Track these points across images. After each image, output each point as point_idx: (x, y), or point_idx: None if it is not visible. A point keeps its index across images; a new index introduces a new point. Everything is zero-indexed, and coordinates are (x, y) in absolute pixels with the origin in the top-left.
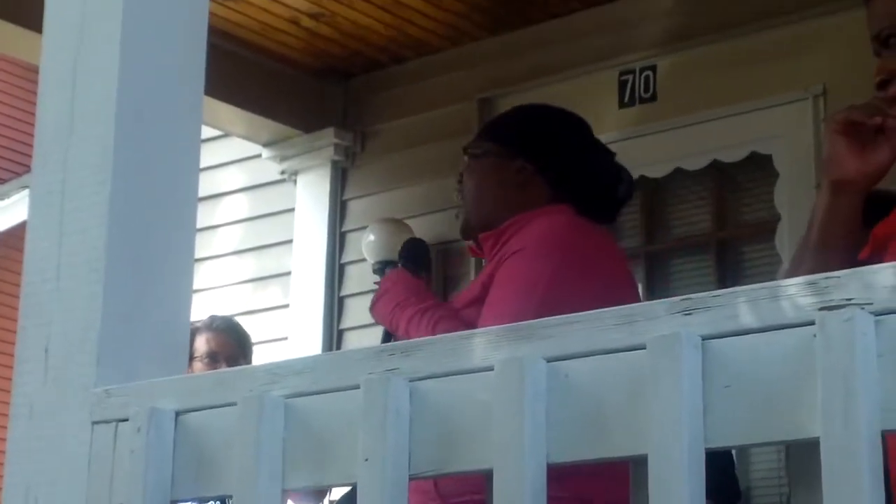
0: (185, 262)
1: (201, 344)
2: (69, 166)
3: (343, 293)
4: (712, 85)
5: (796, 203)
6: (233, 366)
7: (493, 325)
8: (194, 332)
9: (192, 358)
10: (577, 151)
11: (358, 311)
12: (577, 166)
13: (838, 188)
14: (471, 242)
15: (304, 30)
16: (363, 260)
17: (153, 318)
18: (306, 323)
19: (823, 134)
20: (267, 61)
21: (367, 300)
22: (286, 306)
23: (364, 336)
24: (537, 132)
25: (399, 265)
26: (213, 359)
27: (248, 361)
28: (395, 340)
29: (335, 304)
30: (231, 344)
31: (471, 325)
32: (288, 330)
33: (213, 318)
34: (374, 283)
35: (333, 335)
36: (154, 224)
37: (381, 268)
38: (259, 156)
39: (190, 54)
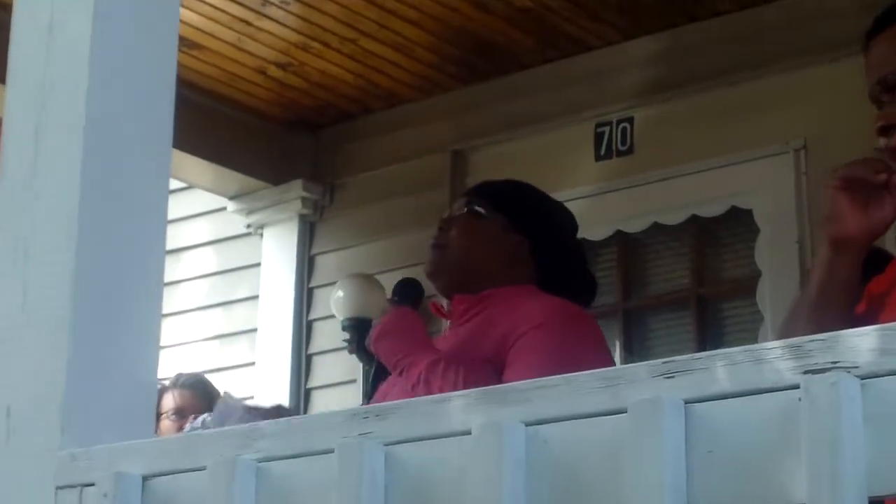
0: (152, 320)
1: (168, 401)
2: (35, 221)
3: (311, 351)
4: (691, 137)
5: (777, 259)
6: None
7: None
8: (161, 390)
9: (158, 416)
10: (571, 245)
11: (326, 369)
12: (568, 258)
13: (840, 246)
14: (435, 298)
15: (271, 80)
16: (332, 317)
17: (119, 378)
18: (273, 381)
19: (806, 188)
20: (234, 112)
21: (336, 358)
22: (252, 364)
23: (333, 395)
24: (544, 217)
25: (400, 303)
26: (180, 415)
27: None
28: (385, 377)
29: (303, 362)
30: (199, 400)
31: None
32: (255, 388)
33: (179, 375)
34: (343, 339)
35: (301, 394)
36: (120, 282)
37: (353, 325)
38: (225, 209)
39: (158, 108)
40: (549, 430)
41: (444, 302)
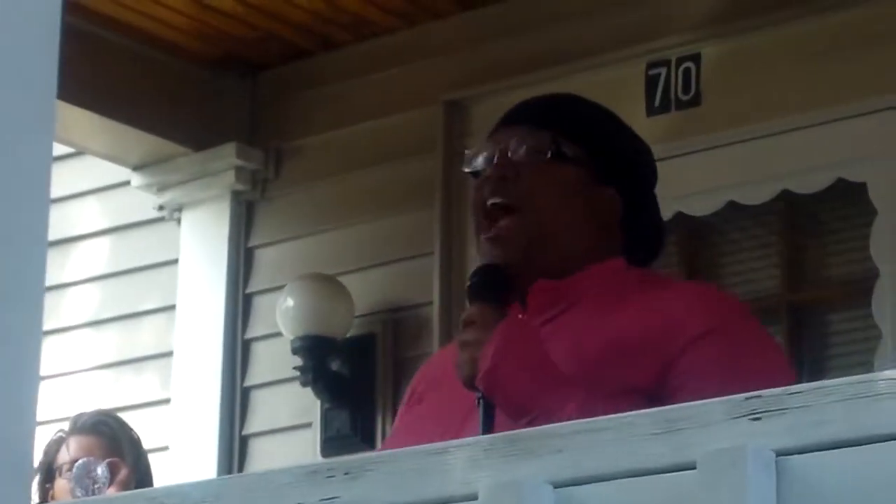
0: (29, 341)
1: (63, 454)
2: None
3: (248, 382)
4: (781, 83)
5: None
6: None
7: None
8: (58, 440)
9: (52, 476)
10: (655, 200)
11: (270, 408)
12: (657, 217)
13: None
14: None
15: (193, 1)
16: (278, 335)
17: None
18: (195, 425)
19: None
20: (140, 47)
21: (281, 391)
22: (166, 401)
23: (278, 445)
24: (636, 156)
25: (495, 306)
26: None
27: (134, 469)
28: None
29: (237, 399)
30: (102, 447)
31: None
32: (169, 436)
33: (77, 417)
34: (294, 367)
35: (234, 443)
36: None
37: (307, 346)
38: (128, 183)
39: (37, 42)
40: (588, 493)
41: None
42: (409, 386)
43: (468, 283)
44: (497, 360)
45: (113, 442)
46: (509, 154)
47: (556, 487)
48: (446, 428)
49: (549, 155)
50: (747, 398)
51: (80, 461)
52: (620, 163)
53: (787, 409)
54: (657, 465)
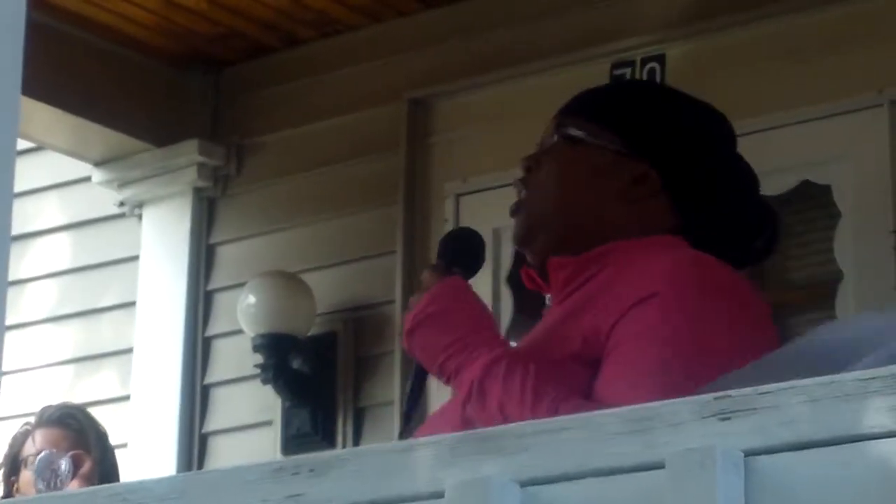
0: None
1: (29, 446)
2: None
3: (209, 380)
4: (745, 85)
5: (865, 254)
6: (74, 468)
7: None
8: (24, 433)
9: (17, 468)
10: (725, 168)
11: (231, 406)
12: (719, 190)
13: None
14: (528, 263)
15: None
16: (239, 332)
17: None
18: (155, 422)
19: None
20: (102, 42)
21: (244, 391)
22: (126, 398)
23: (239, 443)
24: (679, 129)
25: (447, 270)
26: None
27: (100, 463)
28: (419, 392)
29: (196, 397)
30: (68, 439)
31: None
32: (129, 433)
33: (44, 410)
34: (255, 365)
35: (194, 440)
36: None
37: (268, 344)
38: (88, 179)
39: (2, 37)
40: (556, 492)
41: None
42: None
43: (439, 242)
44: (414, 322)
45: (79, 435)
46: (537, 150)
47: (522, 486)
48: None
49: (555, 139)
50: (716, 398)
51: (42, 453)
52: (649, 139)
53: (756, 409)
54: (625, 465)
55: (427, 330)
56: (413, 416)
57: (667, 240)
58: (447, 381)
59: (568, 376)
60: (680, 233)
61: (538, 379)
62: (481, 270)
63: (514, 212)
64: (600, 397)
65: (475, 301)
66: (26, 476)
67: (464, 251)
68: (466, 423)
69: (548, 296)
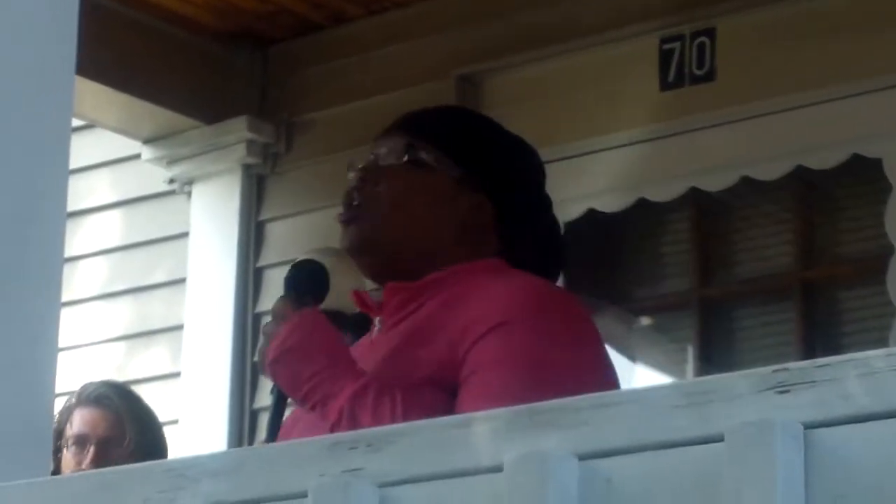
0: (48, 313)
1: (69, 426)
2: None
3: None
4: (796, 58)
5: None
6: (111, 453)
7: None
8: (67, 411)
9: (60, 447)
10: (542, 200)
11: None
12: (538, 218)
13: None
14: (357, 284)
15: None
16: None
17: (2, 396)
18: (205, 399)
19: None
20: (152, 21)
21: None
22: (176, 375)
23: None
24: (512, 162)
25: (299, 300)
26: (81, 444)
27: (136, 441)
28: (280, 418)
29: (247, 373)
30: (107, 421)
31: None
32: (179, 409)
33: (84, 388)
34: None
35: (245, 417)
36: (5, 259)
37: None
38: (138, 156)
39: (58, 18)
40: (613, 466)
41: (369, 288)
42: None
43: (285, 276)
44: (277, 353)
45: (116, 415)
46: (372, 159)
47: (581, 460)
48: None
49: (405, 159)
50: (774, 371)
51: None
52: (487, 171)
53: (814, 381)
54: (683, 438)
55: (289, 361)
56: (273, 437)
57: (494, 263)
58: (311, 409)
59: (429, 401)
60: (499, 256)
61: (405, 405)
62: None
63: (348, 221)
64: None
65: (332, 331)
66: (67, 458)
67: (311, 281)
68: None
69: (377, 318)
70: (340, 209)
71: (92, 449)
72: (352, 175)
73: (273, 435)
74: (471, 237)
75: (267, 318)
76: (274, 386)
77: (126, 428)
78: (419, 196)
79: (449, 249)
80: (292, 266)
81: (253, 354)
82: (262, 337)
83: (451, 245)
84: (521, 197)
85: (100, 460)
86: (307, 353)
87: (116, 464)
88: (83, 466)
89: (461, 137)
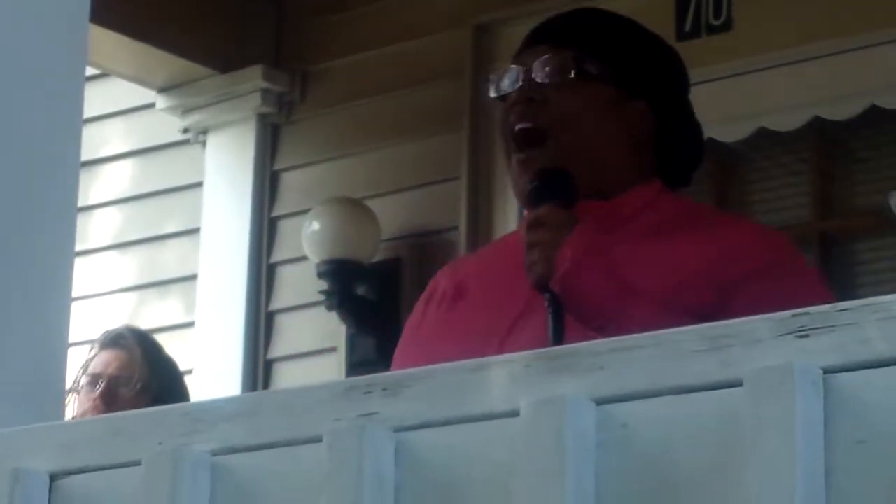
0: (62, 261)
1: (88, 369)
2: None
3: (273, 307)
4: (813, 9)
5: None
6: (120, 392)
7: None
8: (90, 356)
9: (72, 390)
10: (689, 108)
11: (294, 333)
12: (690, 125)
13: None
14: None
15: None
16: (303, 258)
17: (18, 338)
18: (219, 349)
19: None
20: None
21: (306, 316)
22: (190, 325)
23: (303, 370)
24: (667, 65)
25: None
26: (93, 383)
27: (148, 380)
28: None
29: (261, 323)
30: (119, 360)
31: None
32: (194, 358)
33: (103, 335)
34: (320, 291)
35: (259, 367)
36: (18, 207)
37: (332, 271)
38: (152, 105)
39: None
40: (630, 410)
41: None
42: (428, 289)
43: (530, 187)
44: (577, 262)
45: (128, 353)
46: (533, 76)
47: (598, 404)
48: (492, 332)
49: (572, 74)
50: (794, 315)
51: None
52: (647, 75)
53: (834, 326)
54: (702, 383)
55: (588, 272)
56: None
57: (659, 184)
58: (595, 326)
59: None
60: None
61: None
62: None
63: (536, 141)
64: None
65: (610, 248)
66: (81, 398)
67: (566, 184)
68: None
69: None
70: (512, 127)
71: (102, 385)
72: (508, 91)
73: (560, 339)
74: (640, 149)
75: (282, 267)
76: (549, 300)
77: (136, 369)
78: (594, 111)
79: (626, 164)
80: (540, 174)
81: (267, 305)
82: (530, 248)
83: (626, 157)
84: (679, 103)
85: (108, 397)
86: (600, 268)
87: (124, 404)
88: (94, 403)
89: (620, 45)
